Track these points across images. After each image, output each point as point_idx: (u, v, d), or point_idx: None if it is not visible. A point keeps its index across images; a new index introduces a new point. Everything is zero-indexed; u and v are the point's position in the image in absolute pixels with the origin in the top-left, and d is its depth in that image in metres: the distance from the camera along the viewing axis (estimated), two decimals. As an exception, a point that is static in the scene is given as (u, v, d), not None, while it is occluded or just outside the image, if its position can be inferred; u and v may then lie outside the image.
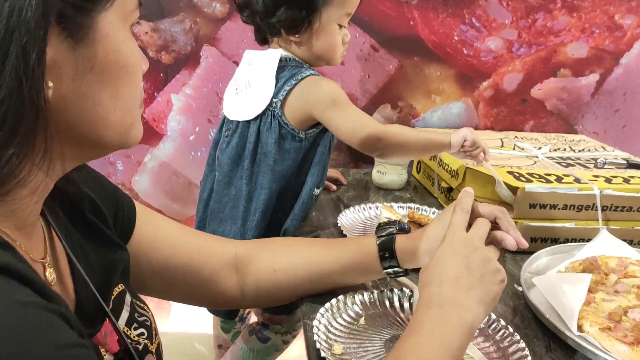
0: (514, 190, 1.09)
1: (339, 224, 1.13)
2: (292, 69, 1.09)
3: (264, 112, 1.08)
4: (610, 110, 1.62)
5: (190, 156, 1.52)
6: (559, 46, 1.54)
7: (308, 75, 1.07)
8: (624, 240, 1.09)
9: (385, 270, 0.82)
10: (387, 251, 0.82)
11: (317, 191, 1.18)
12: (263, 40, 1.14)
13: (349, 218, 1.19)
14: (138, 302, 0.68)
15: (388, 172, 1.40)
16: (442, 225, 0.77)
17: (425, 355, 0.57)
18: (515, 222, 1.09)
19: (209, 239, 0.85)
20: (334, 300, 0.82)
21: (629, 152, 1.48)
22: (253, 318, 1.36)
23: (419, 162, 1.51)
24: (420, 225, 1.21)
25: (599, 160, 1.10)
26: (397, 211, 1.24)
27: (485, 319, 0.82)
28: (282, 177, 1.10)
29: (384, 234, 0.83)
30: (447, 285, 0.64)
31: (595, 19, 1.53)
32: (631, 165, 1.07)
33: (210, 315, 1.32)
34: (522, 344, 0.76)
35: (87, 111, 0.49)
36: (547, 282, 0.92)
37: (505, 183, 1.11)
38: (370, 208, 1.25)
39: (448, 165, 1.29)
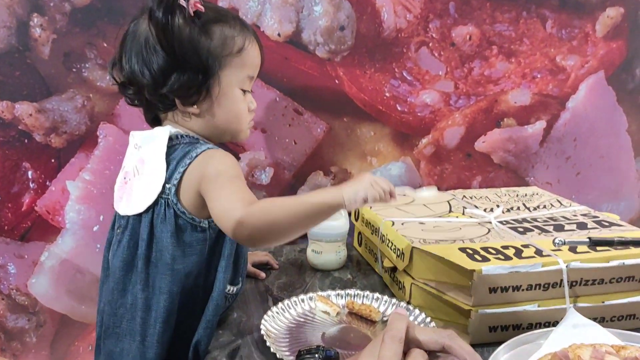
0: (469, 273, 0.92)
1: (262, 332, 0.94)
2: (185, 146, 0.91)
3: (156, 202, 0.90)
4: (561, 158, 1.50)
5: (96, 249, 1.31)
6: (500, 95, 1.42)
7: (205, 150, 0.90)
8: (595, 319, 0.93)
9: None
10: None
11: (232, 289, 1.00)
12: (154, 120, 0.97)
13: (276, 320, 0.99)
14: None
15: (324, 251, 1.22)
16: (372, 357, 0.59)
17: None
18: (469, 311, 0.93)
19: None
20: None
21: (586, 201, 1.35)
22: None
23: (359, 233, 1.34)
24: (361, 317, 1.03)
25: (556, 241, 0.96)
26: (335, 301, 1.06)
27: None
28: (186, 277, 0.91)
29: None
30: None
31: (535, 62, 1.42)
32: (595, 243, 0.92)
33: None
34: None
35: None
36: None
37: (458, 265, 0.94)
38: (302, 301, 1.06)
39: (392, 244, 1.12)
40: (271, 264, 1.25)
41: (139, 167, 0.92)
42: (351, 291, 1.09)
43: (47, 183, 1.27)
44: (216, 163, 0.89)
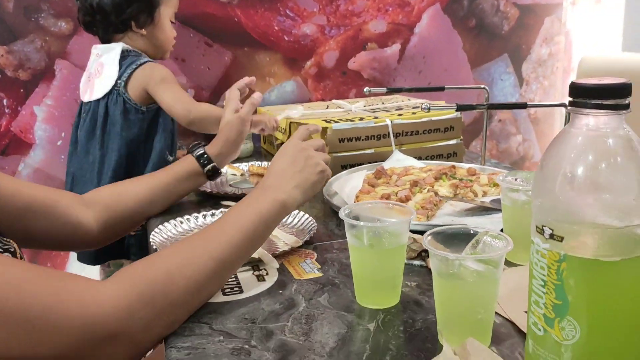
0: (324, 130, 1.38)
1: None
2: (132, 57, 1.37)
3: (110, 92, 1.33)
4: (415, 72, 1.97)
5: (60, 159, 1.70)
6: (362, 25, 1.88)
7: (146, 62, 1.36)
8: (415, 157, 1.40)
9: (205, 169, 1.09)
10: (201, 157, 1.08)
11: (170, 158, 1.43)
12: (109, 42, 1.39)
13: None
14: (1, 237, 0.75)
15: (235, 145, 1.65)
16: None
17: (238, 217, 0.78)
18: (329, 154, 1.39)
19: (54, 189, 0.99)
20: (172, 220, 1.06)
21: (436, 103, 1.82)
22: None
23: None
24: (260, 175, 1.47)
25: (423, 106, 1.36)
26: (240, 167, 1.50)
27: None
28: (131, 142, 1.36)
29: (194, 149, 1.10)
30: (272, 176, 0.86)
31: (386, -1, 1.89)
32: (460, 108, 1.30)
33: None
34: (312, 220, 1.02)
35: None
36: (338, 180, 1.20)
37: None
38: (218, 170, 1.49)
39: (280, 126, 1.56)
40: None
41: (100, 69, 1.36)
42: (252, 162, 1.53)
43: (19, 108, 1.65)
44: (159, 71, 1.36)
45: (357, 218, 0.76)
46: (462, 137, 1.49)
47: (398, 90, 1.46)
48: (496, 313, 0.69)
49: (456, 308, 0.62)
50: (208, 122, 1.36)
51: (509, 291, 0.73)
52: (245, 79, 1.19)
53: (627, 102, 0.49)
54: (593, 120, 0.49)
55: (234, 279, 0.83)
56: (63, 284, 0.63)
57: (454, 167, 1.32)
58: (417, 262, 0.86)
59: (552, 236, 0.50)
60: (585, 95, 0.49)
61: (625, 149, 0.49)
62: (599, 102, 0.48)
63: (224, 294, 0.78)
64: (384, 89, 1.39)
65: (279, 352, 0.64)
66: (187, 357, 0.64)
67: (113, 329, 0.62)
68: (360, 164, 1.41)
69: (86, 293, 0.63)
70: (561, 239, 0.50)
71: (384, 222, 0.74)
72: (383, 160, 1.40)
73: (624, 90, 0.48)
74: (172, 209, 1.19)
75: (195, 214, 1.09)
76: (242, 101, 1.20)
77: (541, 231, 0.51)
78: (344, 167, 1.40)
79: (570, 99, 0.50)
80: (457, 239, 0.65)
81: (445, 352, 0.58)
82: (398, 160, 1.40)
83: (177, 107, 1.33)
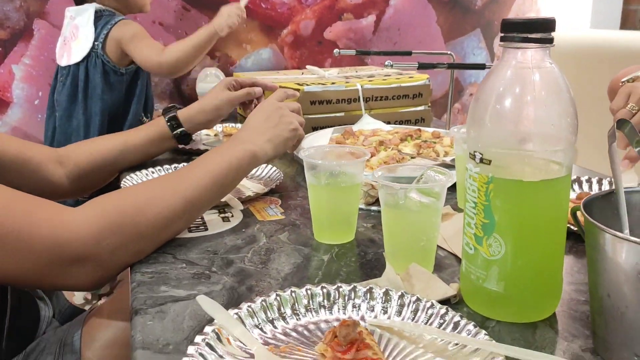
0: (296, 90, 1.41)
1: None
2: (106, 17, 1.39)
3: (89, 55, 1.36)
4: (390, 44, 2.01)
5: (38, 118, 1.72)
6: (339, -5, 1.92)
7: (119, 20, 1.38)
8: (384, 122, 1.45)
9: (173, 132, 1.11)
10: (172, 120, 1.11)
11: (145, 119, 1.46)
12: (80, 3, 1.42)
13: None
14: None
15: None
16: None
17: (209, 162, 0.81)
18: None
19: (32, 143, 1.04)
20: (144, 170, 1.09)
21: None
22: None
23: (239, 100, 1.81)
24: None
25: (386, 63, 1.41)
26: (214, 128, 1.53)
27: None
28: (112, 105, 1.39)
29: (167, 112, 1.12)
30: (246, 129, 0.90)
31: (364, -30, 1.92)
32: (421, 66, 1.36)
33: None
34: (278, 171, 1.07)
35: None
36: (307, 139, 1.25)
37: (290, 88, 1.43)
38: (193, 131, 1.52)
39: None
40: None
41: (75, 32, 1.38)
42: (227, 124, 1.57)
43: (-4, 67, 1.67)
44: (131, 28, 1.38)
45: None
46: (430, 104, 1.54)
47: (367, 53, 1.51)
48: (442, 248, 0.75)
49: (401, 236, 0.67)
50: (184, 60, 1.39)
51: (456, 230, 0.79)
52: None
53: (551, 36, 0.53)
54: (521, 54, 0.54)
55: (200, 219, 0.87)
56: (36, 206, 0.67)
57: (419, 130, 1.37)
58: (374, 208, 0.91)
59: (481, 160, 0.55)
60: (513, 30, 0.54)
61: (548, 81, 0.54)
62: (526, 35, 0.53)
63: (190, 231, 0.83)
64: (353, 51, 1.43)
65: (237, 277, 0.69)
66: (150, 280, 0.68)
67: (80, 252, 0.66)
68: (331, 127, 1.45)
69: (57, 217, 0.67)
70: (489, 162, 0.55)
71: (339, 162, 0.79)
72: (353, 123, 1.45)
73: (549, 24, 0.53)
74: (145, 162, 1.23)
75: (167, 166, 1.13)
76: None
77: (473, 157, 0.56)
78: (315, 129, 1.44)
79: (502, 34, 0.55)
80: (406, 177, 0.70)
81: (387, 272, 0.63)
82: (367, 124, 1.45)
83: (148, 64, 1.37)
